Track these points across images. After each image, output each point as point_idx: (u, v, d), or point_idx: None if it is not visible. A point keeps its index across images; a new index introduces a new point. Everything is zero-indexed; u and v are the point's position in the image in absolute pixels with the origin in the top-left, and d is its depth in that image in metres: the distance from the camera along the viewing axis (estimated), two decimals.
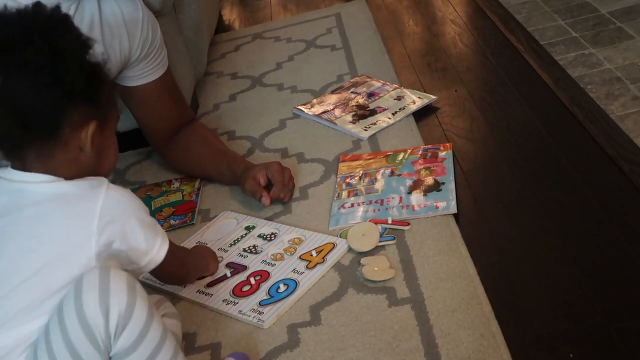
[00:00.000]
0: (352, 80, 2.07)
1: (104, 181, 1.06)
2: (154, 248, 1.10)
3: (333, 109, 1.93)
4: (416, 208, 1.46)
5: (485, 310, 1.19)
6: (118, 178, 1.86)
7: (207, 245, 1.48)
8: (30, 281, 0.99)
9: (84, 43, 1.06)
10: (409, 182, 1.54)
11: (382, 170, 1.61)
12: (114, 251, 1.04)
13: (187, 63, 2.05)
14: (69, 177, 1.05)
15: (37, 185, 1.03)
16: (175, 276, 1.31)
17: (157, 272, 1.17)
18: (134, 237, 1.06)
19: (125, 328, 0.98)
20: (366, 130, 1.80)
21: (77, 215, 1.02)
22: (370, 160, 1.66)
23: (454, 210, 1.43)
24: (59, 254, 1.00)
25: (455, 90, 1.94)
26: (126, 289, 0.99)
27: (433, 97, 1.89)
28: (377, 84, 2.02)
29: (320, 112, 1.93)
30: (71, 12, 1.45)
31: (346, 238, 1.41)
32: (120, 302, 0.98)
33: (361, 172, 1.62)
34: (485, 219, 1.42)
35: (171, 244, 1.14)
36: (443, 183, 1.52)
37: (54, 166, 1.04)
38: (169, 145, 1.74)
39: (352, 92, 2.00)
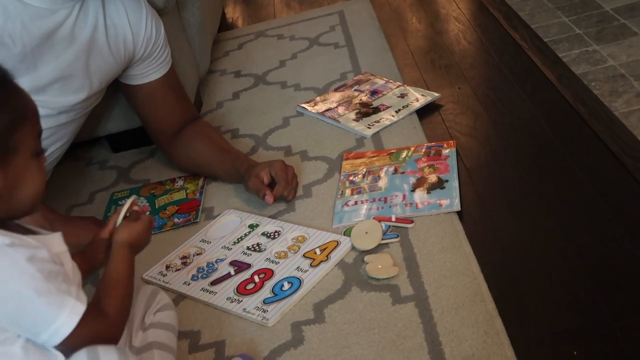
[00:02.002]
0: (355, 78, 2.07)
1: None
2: (59, 317, 0.91)
3: (336, 107, 1.93)
4: (420, 206, 1.46)
5: (489, 308, 1.19)
6: (122, 176, 1.87)
7: (210, 242, 1.49)
8: None
9: None
10: (412, 180, 1.54)
11: (385, 168, 1.61)
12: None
13: (191, 61, 2.06)
14: None
15: None
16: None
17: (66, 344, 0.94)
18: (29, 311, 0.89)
19: None
20: (369, 128, 1.80)
21: None
22: (374, 158, 1.66)
23: (457, 207, 1.43)
24: None
25: (459, 88, 1.94)
26: None
27: (436, 94, 1.89)
28: (380, 81, 2.02)
29: (323, 110, 1.93)
30: (75, 12, 1.45)
31: (350, 236, 1.41)
32: None
33: (365, 170, 1.62)
34: (489, 217, 1.42)
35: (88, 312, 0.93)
36: (446, 180, 1.52)
37: None
38: (172, 143, 1.74)
39: (355, 90, 2.00)
